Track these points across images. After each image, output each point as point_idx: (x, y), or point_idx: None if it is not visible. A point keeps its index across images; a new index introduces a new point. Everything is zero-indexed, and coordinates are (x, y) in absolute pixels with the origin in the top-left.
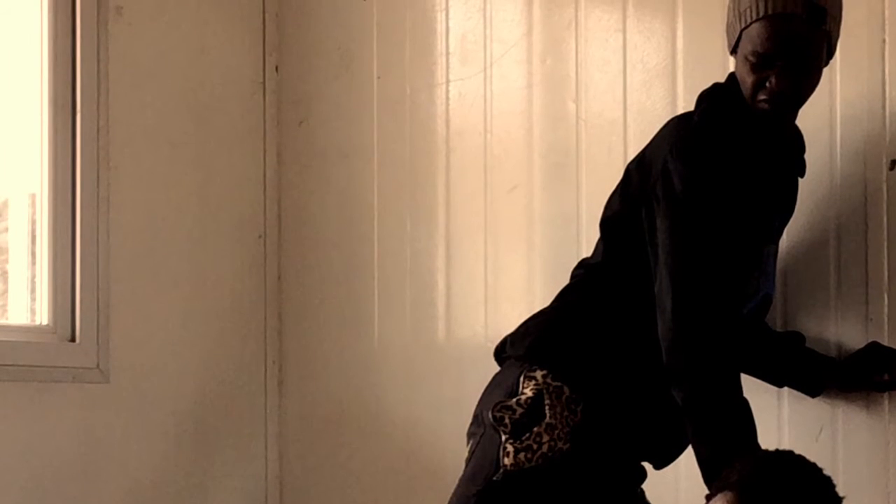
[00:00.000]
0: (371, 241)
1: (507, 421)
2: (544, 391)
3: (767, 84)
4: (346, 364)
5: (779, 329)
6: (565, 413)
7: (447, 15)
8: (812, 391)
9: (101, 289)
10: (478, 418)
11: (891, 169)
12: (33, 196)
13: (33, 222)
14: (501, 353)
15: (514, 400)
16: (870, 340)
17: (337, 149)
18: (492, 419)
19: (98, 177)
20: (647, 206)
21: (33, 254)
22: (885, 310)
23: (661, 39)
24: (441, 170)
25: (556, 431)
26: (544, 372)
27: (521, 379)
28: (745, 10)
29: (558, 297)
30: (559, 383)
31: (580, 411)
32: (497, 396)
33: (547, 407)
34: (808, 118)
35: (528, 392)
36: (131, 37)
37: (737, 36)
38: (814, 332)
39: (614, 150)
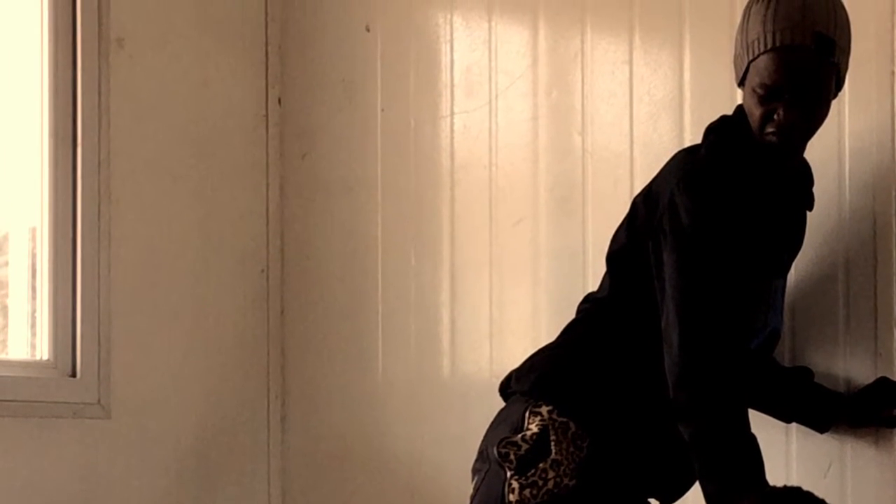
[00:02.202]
0: (375, 275)
1: (512, 457)
2: (550, 427)
3: (775, 116)
4: (350, 399)
5: (787, 364)
6: (571, 449)
7: (452, 47)
8: (821, 427)
9: (102, 323)
10: (483, 454)
11: None
12: (34, 230)
13: (34, 256)
14: (507, 388)
15: (520, 436)
16: (879, 375)
17: (340, 182)
18: (497, 455)
19: (99, 210)
20: (653, 240)
21: (34, 288)
22: (895, 344)
23: (668, 71)
24: (446, 203)
25: (562, 467)
26: (550, 407)
27: (527, 414)
28: (752, 42)
29: (564, 332)
30: (565, 419)
31: (586, 447)
32: (502, 432)
33: (553, 443)
34: (817, 151)
35: (534, 428)
36: (132, 69)
37: (745, 68)
38: (822, 367)
39: (620, 183)
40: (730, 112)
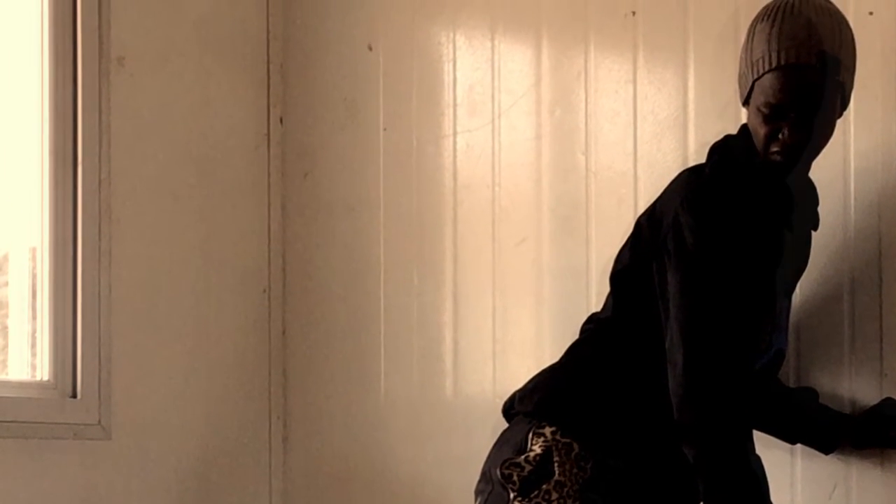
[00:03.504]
0: (377, 295)
1: (515, 478)
2: (553, 448)
3: (780, 135)
4: (352, 420)
5: (792, 385)
6: (574, 470)
7: (454, 66)
8: (825, 448)
9: (103, 344)
10: (486, 475)
11: None
12: (34, 250)
13: (34, 276)
14: (510, 409)
15: (523, 457)
16: (885, 396)
17: (342, 201)
18: (500, 476)
19: (100, 230)
20: (657, 261)
21: (34, 308)
22: None
23: (672, 90)
24: (448, 222)
25: (566, 489)
26: (553, 428)
27: (530, 435)
28: (757, 61)
29: (568, 353)
30: (568, 440)
31: (590, 468)
32: (505, 453)
33: (556, 464)
34: (822, 170)
35: (537, 449)
36: (133, 88)
37: (749, 86)
38: (828, 389)
39: (624, 202)
40: (734, 131)
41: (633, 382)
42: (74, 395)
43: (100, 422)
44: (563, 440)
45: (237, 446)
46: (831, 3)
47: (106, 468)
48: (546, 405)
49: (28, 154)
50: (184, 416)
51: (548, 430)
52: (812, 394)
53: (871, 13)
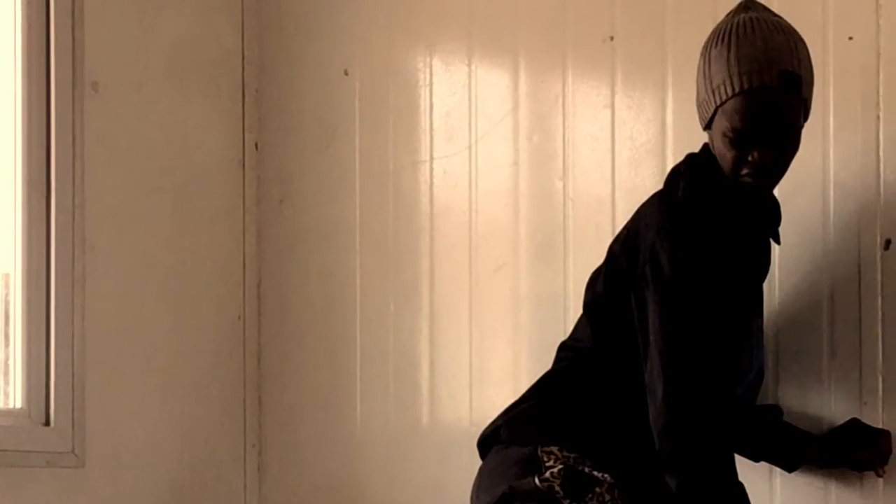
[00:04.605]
0: (353, 322)
1: (557, 488)
2: (571, 459)
3: (750, 158)
4: (328, 448)
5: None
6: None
7: (431, 91)
8: (789, 466)
9: (77, 371)
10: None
11: (885, 249)
12: (7, 276)
13: (7, 303)
14: (492, 440)
15: (549, 472)
16: (868, 423)
17: (318, 227)
18: (539, 485)
19: (73, 256)
20: (635, 291)
21: (7, 335)
22: (880, 393)
23: (651, 116)
24: (425, 249)
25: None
26: (559, 447)
27: (539, 454)
28: (718, 87)
29: (542, 382)
30: (576, 454)
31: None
32: (511, 476)
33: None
34: (802, 196)
35: (554, 463)
36: (107, 113)
37: (712, 112)
38: (808, 413)
39: (602, 229)
40: None
41: (617, 412)
42: (48, 423)
43: (73, 450)
44: (572, 455)
45: (212, 474)
46: (782, 19)
47: (79, 497)
48: (545, 430)
49: (1, 179)
50: (158, 445)
51: (555, 449)
52: (777, 411)
53: (850, 38)
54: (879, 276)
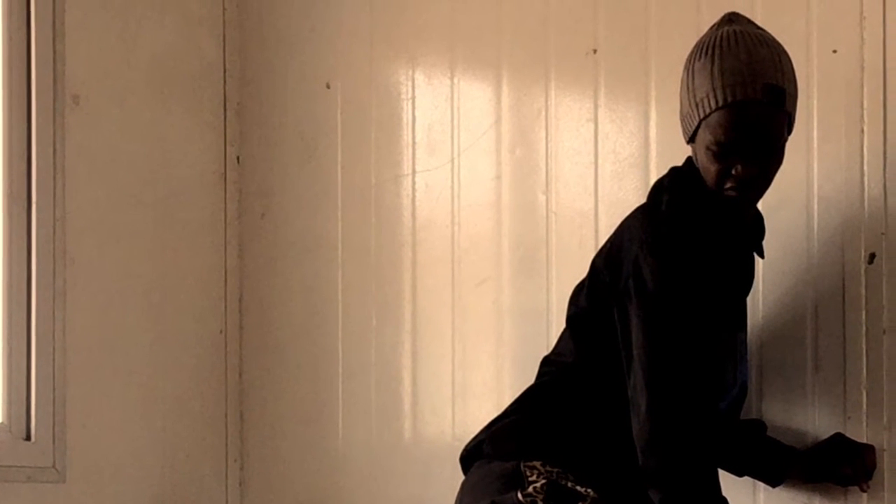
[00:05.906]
0: (335, 336)
1: (539, 502)
2: (554, 474)
3: (734, 171)
4: (310, 463)
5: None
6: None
7: (413, 104)
8: (772, 481)
9: (58, 386)
10: None
11: (870, 263)
12: None
13: None
14: (474, 454)
15: (531, 487)
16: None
17: (300, 241)
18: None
19: (54, 270)
20: (619, 305)
21: None
22: (864, 407)
23: (634, 129)
24: (407, 263)
25: None
26: (541, 461)
27: (522, 468)
28: (701, 100)
29: (525, 397)
30: (558, 469)
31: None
32: (493, 491)
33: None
34: (786, 209)
35: (537, 478)
36: (89, 126)
37: (695, 125)
38: (791, 429)
39: (585, 243)
40: None
41: (602, 427)
42: (28, 438)
43: (54, 465)
44: (555, 469)
45: (193, 489)
46: (766, 33)
47: None
48: (528, 445)
49: None
50: (139, 460)
51: (537, 463)
52: (760, 426)
53: (834, 51)
54: (864, 290)
